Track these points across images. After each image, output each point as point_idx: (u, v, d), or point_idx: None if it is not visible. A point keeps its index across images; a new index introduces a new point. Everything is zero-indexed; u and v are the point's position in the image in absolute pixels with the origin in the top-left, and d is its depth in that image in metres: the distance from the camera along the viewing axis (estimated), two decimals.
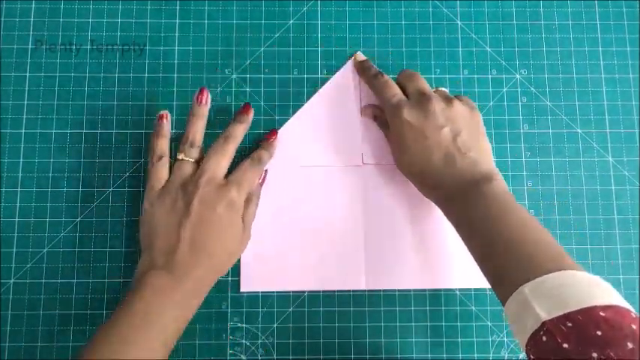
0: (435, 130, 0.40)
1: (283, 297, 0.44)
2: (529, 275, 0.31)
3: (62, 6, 0.47)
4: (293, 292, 0.44)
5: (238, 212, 0.40)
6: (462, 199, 0.38)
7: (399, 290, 0.44)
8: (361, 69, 0.46)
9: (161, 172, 0.41)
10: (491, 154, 0.42)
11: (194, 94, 0.42)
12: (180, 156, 0.41)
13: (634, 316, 0.28)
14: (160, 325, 0.35)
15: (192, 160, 0.41)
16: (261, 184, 0.44)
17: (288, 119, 0.46)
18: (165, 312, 0.36)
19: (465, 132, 0.40)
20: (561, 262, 0.32)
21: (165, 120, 0.42)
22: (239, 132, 0.43)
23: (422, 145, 0.40)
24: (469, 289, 0.44)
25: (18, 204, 0.44)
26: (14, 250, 0.43)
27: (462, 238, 0.38)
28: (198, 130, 0.42)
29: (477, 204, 0.37)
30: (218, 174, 0.40)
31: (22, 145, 0.45)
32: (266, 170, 0.44)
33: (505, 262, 0.34)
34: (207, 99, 0.42)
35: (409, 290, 0.44)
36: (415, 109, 0.40)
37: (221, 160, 0.41)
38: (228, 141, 0.42)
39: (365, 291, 0.44)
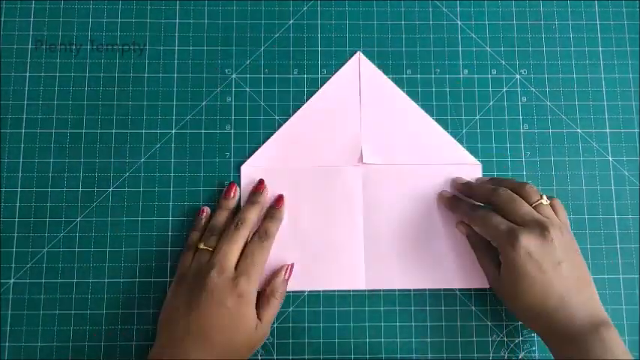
0: (553, 265, 0.37)
1: None
2: None
3: (62, 6, 0.47)
4: (293, 292, 0.44)
5: (249, 304, 0.39)
6: (581, 343, 0.36)
7: (399, 290, 0.44)
8: (450, 204, 0.44)
9: (186, 260, 0.41)
10: None
11: (225, 188, 0.44)
12: (201, 245, 0.41)
13: None
14: None
15: (210, 249, 0.41)
16: (286, 280, 0.43)
17: (288, 119, 0.46)
18: None
19: (578, 266, 0.38)
20: None
21: (202, 215, 0.44)
22: (252, 215, 0.42)
23: (540, 281, 0.37)
24: (469, 289, 0.44)
25: (18, 204, 0.44)
26: (14, 250, 0.43)
27: None
28: (220, 220, 0.43)
29: (601, 350, 0.35)
30: (228, 265, 0.39)
31: (22, 145, 0.45)
32: (292, 264, 0.43)
33: None
34: (235, 193, 0.44)
35: (409, 290, 0.44)
36: (533, 236, 0.37)
37: (232, 249, 0.40)
38: (239, 227, 0.41)
39: (365, 291, 0.44)
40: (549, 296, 0.37)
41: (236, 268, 0.40)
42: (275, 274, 0.43)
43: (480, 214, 0.41)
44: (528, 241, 0.37)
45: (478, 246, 0.43)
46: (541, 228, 0.37)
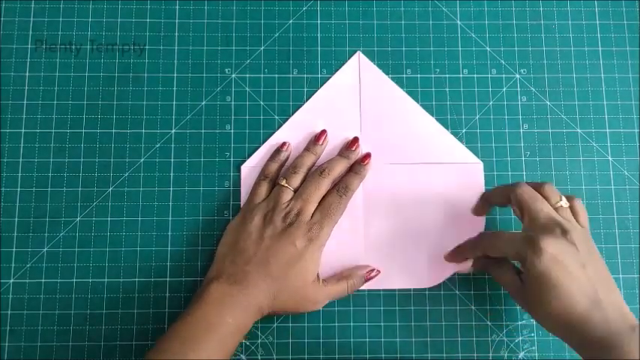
0: (579, 267, 0.35)
1: None
2: None
3: (62, 6, 0.47)
4: None
5: (315, 251, 0.40)
6: (618, 345, 0.33)
7: (398, 290, 0.44)
8: (456, 253, 0.43)
9: (261, 189, 0.43)
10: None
11: (315, 135, 0.45)
12: (282, 182, 0.42)
13: None
14: (218, 331, 0.37)
15: (291, 189, 0.42)
16: (366, 278, 0.42)
17: (288, 119, 0.46)
18: (223, 321, 0.37)
19: (602, 268, 0.36)
20: None
21: (284, 149, 0.44)
22: (339, 167, 0.43)
23: (568, 285, 0.34)
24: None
25: (18, 204, 0.44)
26: (14, 249, 0.43)
27: None
28: (306, 162, 0.43)
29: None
30: (308, 211, 0.41)
31: (22, 145, 0.45)
32: (379, 272, 0.43)
33: None
34: (324, 140, 0.45)
35: (409, 290, 0.44)
36: (555, 240, 0.35)
37: (316, 196, 0.41)
38: (324, 176, 0.42)
39: (365, 291, 0.44)
40: (578, 300, 0.34)
41: (312, 215, 0.41)
42: (360, 266, 0.43)
43: (487, 236, 0.40)
44: (552, 245, 0.35)
45: (490, 265, 0.41)
46: (562, 230, 0.36)
